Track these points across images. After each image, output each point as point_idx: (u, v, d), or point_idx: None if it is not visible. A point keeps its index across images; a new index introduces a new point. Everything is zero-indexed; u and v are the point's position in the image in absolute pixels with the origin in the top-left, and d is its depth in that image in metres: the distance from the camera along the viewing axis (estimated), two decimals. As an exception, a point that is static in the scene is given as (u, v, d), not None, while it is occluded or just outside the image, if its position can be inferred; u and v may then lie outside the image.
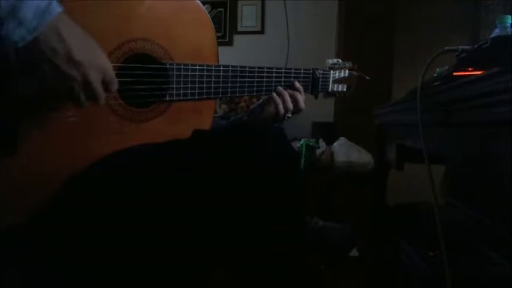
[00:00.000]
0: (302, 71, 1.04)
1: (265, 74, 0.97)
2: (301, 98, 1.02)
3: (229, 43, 2.78)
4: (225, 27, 2.79)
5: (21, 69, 0.58)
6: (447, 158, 0.88)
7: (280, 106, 0.98)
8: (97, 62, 0.63)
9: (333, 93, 1.14)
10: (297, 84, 1.01)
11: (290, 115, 1.02)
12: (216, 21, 2.74)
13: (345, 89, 1.15)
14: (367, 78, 1.16)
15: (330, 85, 1.11)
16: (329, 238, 1.46)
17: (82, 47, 0.61)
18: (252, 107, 1.11)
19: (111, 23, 0.74)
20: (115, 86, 0.68)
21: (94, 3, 0.71)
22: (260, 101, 1.05)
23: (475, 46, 0.85)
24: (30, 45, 0.55)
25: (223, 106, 2.53)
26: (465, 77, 0.75)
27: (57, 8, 0.57)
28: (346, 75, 1.13)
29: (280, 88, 0.99)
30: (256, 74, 0.95)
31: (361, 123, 1.89)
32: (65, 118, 0.69)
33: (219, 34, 2.72)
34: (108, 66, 0.66)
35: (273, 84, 0.99)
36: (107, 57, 0.67)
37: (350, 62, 1.16)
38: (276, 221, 0.71)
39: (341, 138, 2.02)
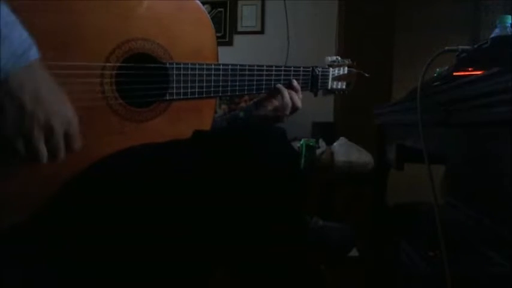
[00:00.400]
0: (301, 68, 1.04)
1: (264, 72, 0.97)
2: (296, 97, 1.02)
3: (229, 43, 2.78)
4: (225, 27, 2.79)
5: None
6: (447, 158, 0.88)
7: (287, 103, 0.99)
8: (64, 112, 0.61)
9: (332, 91, 1.14)
10: (295, 83, 1.02)
11: (287, 113, 1.02)
12: (216, 21, 2.74)
13: (344, 87, 1.15)
14: (367, 75, 1.16)
15: (330, 82, 1.11)
16: (329, 238, 1.46)
17: (51, 95, 0.59)
18: (247, 104, 1.11)
19: (111, 23, 0.74)
20: (78, 145, 0.64)
21: (94, 3, 0.71)
22: (256, 99, 1.06)
23: (475, 46, 0.85)
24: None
25: (223, 106, 2.54)
26: (465, 77, 0.75)
27: (33, 55, 0.56)
28: (346, 72, 1.13)
29: (279, 85, 0.99)
30: (255, 72, 0.95)
31: (361, 123, 1.89)
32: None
33: (219, 34, 2.72)
34: (75, 121, 0.63)
35: (273, 82, 0.99)
36: (70, 110, 0.63)
37: (349, 59, 1.16)
38: (276, 221, 0.71)
39: (341, 138, 2.02)
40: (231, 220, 0.69)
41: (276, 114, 1.02)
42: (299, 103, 1.02)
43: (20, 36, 0.55)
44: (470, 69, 0.79)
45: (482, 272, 0.82)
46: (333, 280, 1.35)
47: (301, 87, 1.04)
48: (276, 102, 1.01)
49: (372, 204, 1.49)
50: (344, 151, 1.91)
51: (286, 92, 0.99)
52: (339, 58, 1.14)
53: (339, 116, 2.48)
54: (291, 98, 1.01)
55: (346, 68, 1.13)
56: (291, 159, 0.78)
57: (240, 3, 2.80)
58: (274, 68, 0.98)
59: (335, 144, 1.99)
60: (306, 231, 1.35)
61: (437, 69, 0.97)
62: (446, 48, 0.87)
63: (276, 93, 1.00)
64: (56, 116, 0.59)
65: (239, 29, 2.80)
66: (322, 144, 2.04)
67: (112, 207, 0.69)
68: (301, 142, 1.92)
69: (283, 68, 1.00)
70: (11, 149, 0.58)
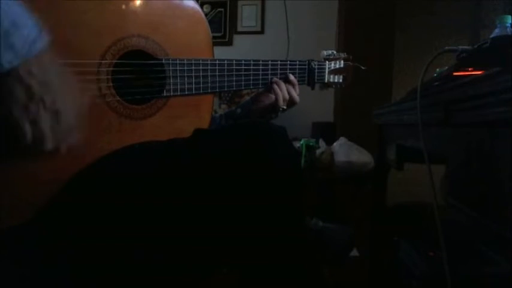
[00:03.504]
0: (297, 62, 1.05)
1: (260, 67, 0.97)
2: (294, 91, 1.03)
3: (229, 43, 2.78)
4: (225, 27, 2.78)
5: None
6: (447, 158, 0.88)
7: (280, 95, 1.00)
8: (71, 95, 0.63)
9: (329, 85, 1.14)
10: (291, 77, 1.02)
11: (285, 107, 1.03)
12: (216, 21, 2.74)
13: (341, 80, 1.15)
14: (363, 67, 1.17)
15: (326, 76, 1.12)
16: (329, 239, 1.46)
17: (59, 81, 0.61)
18: (244, 101, 1.12)
19: (106, 20, 0.74)
20: (75, 138, 0.65)
21: (89, 1, 0.71)
22: (253, 94, 1.06)
23: (475, 46, 0.85)
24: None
25: (223, 106, 2.53)
26: (465, 77, 0.75)
27: (44, 39, 0.58)
28: (342, 66, 1.14)
29: (275, 78, 1.00)
30: (252, 67, 0.96)
31: (361, 123, 1.89)
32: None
33: (219, 34, 2.72)
34: (81, 109, 0.66)
35: (269, 77, 1.00)
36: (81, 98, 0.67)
37: (345, 53, 1.16)
38: (277, 221, 0.71)
39: (341, 138, 2.02)
40: (231, 220, 0.69)
41: (273, 108, 1.02)
42: (297, 98, 1.03)
43: (30, 21, 0.57)
44: (470, 69, 0.79)
45: (482, 272, 0.82)
46: (333, 280, 1.35)
47: (298, 82, 1.05)
48: (272, 97, 1.02)
49: (372, 204, 1.49)
50: (344, 151, 1.91)
51: (282, 84, 1.00)
52: (334, 52, 1.15)
53: (339, 116, 2.48)
54: (289, 92, 1.01)
55: (342, 62, 1.14)
56: (294, 159, 0.78)
57: (240, 3, 2.80)
58: (270, 63, 0.99)
59: (335, 144, 1.99)
60: (306, 231, 1.35)
61: (437, 69, 0.97)
62: (446, 48, 0.87)
63: (272, 87, 1.00)
64: (62, 101, 0.61)
65: (239, 29, 2.79)
66: (322, 144, 2.03)
67: (112, 207, 0.69)
68: (301, 142, 1.91)
69: (279, 63, 1.01)
70: (18, 133, 0.59)
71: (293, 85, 1.03)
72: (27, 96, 0.58)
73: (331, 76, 1.13)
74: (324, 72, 1.11)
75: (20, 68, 0.56)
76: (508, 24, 0.84)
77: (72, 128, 0.64)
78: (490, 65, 0.67)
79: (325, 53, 1.13)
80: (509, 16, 0.84)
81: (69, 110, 0.62)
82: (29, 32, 0.56)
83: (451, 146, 0.84)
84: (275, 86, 1.00)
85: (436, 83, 0.89)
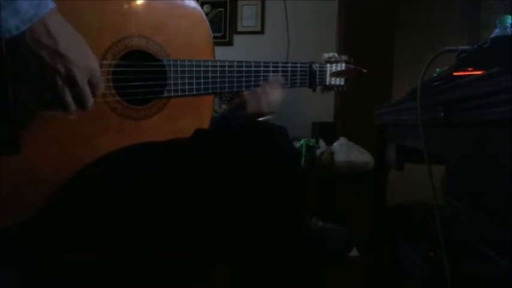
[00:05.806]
0: (299, 64, 1.04)
1: (262, 69, 0.97)
2: (263, 99, 0.98)
3: (229, 43, 2.78)
4: (225, 27, 2.78)
5: (11, 65, 0.58)
6: (447, 158, 0.88)
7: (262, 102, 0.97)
8: (84, 61, 0.63)
9: (331, 87, 1.14)
10: (270, 78, 0.99)
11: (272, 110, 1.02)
12: (216, 21, 2.74)
13: (342, 83, 1.15)
14: (364, 70, 1.17)
15: (327, 78, 1.11)
16: (328, 239, 1.46)
17: (70, 44, 0.60)
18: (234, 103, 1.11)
19: (107, 20, 0.74)
20: (100, 91, 0.67)
21: (90, 1, 0.71)
22: (235, 101, 1.06)
23: (475, 46, 0.85)
24: (17, 37, 0.55)
25: (224, 106, 2.53)
26: (465, 77, 0.75)
27: (50, 4, 0.58)
28: (343, 68, 1.14)
29: (245, 93, 0.99)
30: (253, 69, 0.96)
31: (361, 123, 1.89)
32: (65, 116, 0.69)
33: (219, 34, 2.72)
34: (96, 69, 0.65)
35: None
36: (97, 61, 0.67)
37: (346, 56, 1.16)
38: (278, 221, 0.71)
39: (341, 138, 2.02)
40: (231, 220, 0.69)
41: (260, 113, 1.00)
42: (264, 108, 0.98)
43: None
44: (470, 69, 0.79)
45: (482, 272, 0.82)
46: (333, 280, 1.34)
47: (300, 83, 1.04)
48: (256, 102, 1.00)
49: (372, 204, 1.49)
50: (344, 151, 1.91)
51: (259, 92, 0.97)
52: (335, 54, 1.15)
53: (339, 116, 2.48)
54: (260, 99, 0.98)
55: (343, 65, 1.14)
56: (294, 160, 0.78)
57: (240, 3, 2.79)
58: (271, 64, 0.99)
59: (335, 144, 1.99)
60: (307, 232, 1.35)
61: (437, 69, 0.97)
62: (446, 48, 0.87)
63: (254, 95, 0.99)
64: (76, 67, 0.61)
65: (239, 29, 2.79)
66: (322, 144, 2.03)
67: (111, 208, 0.69)
68: (301, 142, 1.91)
69: (280, 64, 1.01)
70: (41, 101, 0.61)
71: (267, 91, 0.97)
72: (40, 67, 0.58)
73: (333, 79, 1.13)
74: (325, 74, 1.11)
75: (28, 38, 0.56)
76: (508, 24, 0.84)
77: (89, 88, 0.64)
78: (490, 65, 0.67)
79: (326, 55, 1.13)
80: (509, 16, 0.84)
81: (84, 73, 0.62)
82: None
83: (451, 146, 0.84)
84: (252, 94, 0.98)
85: (436, 83, 0.89)
